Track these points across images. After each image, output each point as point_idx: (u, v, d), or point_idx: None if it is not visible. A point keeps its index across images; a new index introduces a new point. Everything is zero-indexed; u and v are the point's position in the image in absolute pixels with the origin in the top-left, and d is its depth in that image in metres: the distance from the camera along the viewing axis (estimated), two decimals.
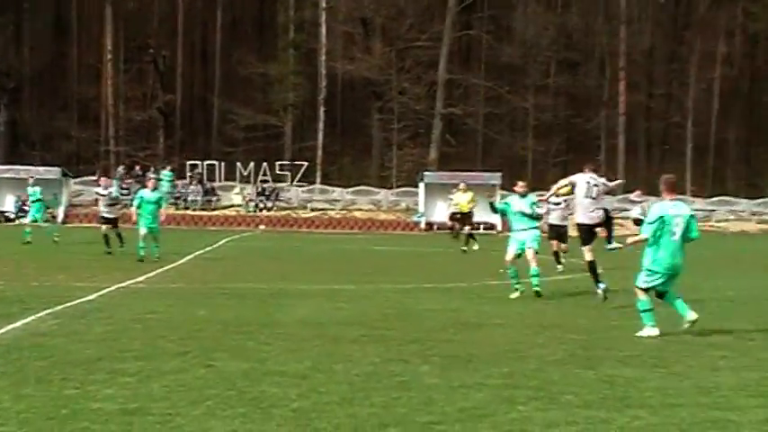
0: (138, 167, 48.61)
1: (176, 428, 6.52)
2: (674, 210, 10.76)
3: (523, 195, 15.53)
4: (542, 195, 17.74)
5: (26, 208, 34.46)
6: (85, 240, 28.60)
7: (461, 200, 29.56)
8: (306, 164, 50.78)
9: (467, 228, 28.63)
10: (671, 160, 61.98)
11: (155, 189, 23.02)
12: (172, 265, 20.44)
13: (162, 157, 55.52)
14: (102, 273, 18.21)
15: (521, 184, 15.89)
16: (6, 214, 44.33)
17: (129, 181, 46.28)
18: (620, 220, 26.04)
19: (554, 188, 16.19)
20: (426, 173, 48.21)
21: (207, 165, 49.06)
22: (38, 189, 29.57)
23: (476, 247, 28.09)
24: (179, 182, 48.82)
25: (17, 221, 43.01)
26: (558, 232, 21.57)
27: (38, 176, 34.62)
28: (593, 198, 14.95)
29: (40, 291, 14.77)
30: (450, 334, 11.06)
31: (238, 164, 48.84)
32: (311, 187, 50.91)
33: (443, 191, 39.01)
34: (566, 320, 12.38)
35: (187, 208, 47.23)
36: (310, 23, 58.93)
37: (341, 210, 48.80)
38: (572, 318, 12.67)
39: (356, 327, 11.41)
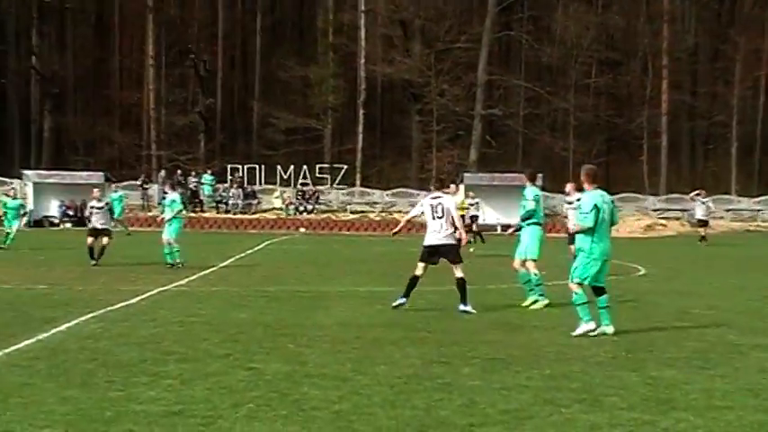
0: (179, 172, 48.98)
1: (219, 431, 6.57)
2: (601, 198, 11.18)
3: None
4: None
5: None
6: (126, 244, 28.89)
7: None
8: (345, 166, 50.85)
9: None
10: (715, 159, 61.25)
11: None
12: (213, 269, 20.59)
13: (203, 161, 55.95)
14: (144, 276, 18.39)
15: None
16: (51, 219, 44.82)
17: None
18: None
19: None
20: (466, 174, 48.05)
21: (247, 168, 49.27)
22: (122, 193, 30.58)
23: (471, 249, 27.76)
24: (220, 185, 49.17)
25: (61, 226, 43.64)
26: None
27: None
28: None
29: (84, 295, 14.95)
30: (490, 335, 11.02)
31: (278, 167, 48.99)
32: (351, 190, 50.97)
33: (482, 192, 38.76)
34: None
35: (228, 211, 47.52)
36: (349, 26, 59.09)
37: (380, 212, 48.79)
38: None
39: (396, 329, 11.40)
